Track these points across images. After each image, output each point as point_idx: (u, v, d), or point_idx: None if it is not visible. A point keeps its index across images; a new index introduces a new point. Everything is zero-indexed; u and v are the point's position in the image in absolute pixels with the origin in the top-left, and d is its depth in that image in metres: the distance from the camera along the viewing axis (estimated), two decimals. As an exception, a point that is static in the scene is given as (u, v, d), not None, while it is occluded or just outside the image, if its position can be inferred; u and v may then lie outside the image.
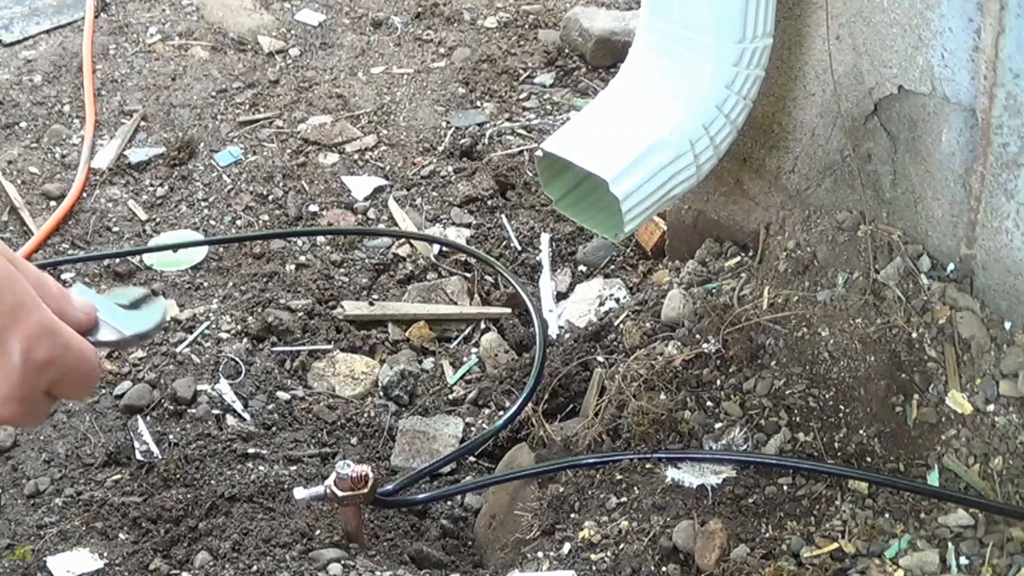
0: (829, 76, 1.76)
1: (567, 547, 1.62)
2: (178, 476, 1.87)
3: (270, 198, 2.60)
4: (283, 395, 2.10)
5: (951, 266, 1.71)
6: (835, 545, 1.56)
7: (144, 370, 2.11)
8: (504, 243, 2.49)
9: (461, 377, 2.21)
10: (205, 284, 2.37)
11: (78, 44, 3.05)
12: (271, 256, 2.43)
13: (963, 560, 1.53)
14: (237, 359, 2.13)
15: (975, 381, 1.63)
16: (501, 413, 2.06)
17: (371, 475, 1.61)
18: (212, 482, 1.86)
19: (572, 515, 1.68)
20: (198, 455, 1.91)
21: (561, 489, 1.71)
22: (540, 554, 1.63)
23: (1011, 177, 1.57)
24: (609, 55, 3.00)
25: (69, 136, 2.76)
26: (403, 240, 2.50)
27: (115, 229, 2.51)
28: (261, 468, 1.90)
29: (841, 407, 1.68)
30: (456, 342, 2.30)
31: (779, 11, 1.77)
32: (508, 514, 1.80)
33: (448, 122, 2.85)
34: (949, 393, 1.64)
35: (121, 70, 3.00)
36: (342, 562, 1.62)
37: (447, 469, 2.02)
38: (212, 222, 2.54)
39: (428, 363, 2.25)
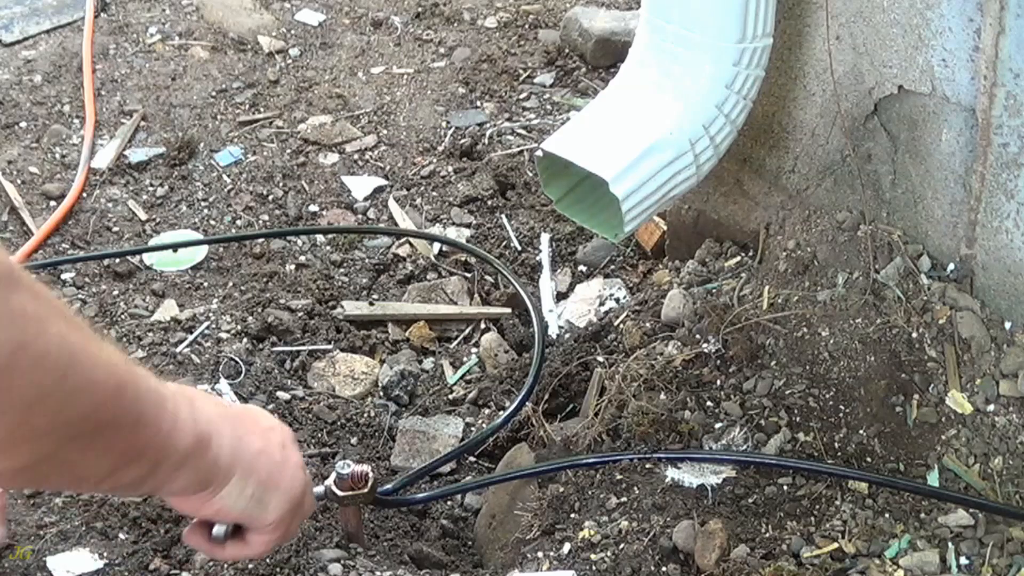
0: (829, 76, 1.76)
1: (567, 547, 1.62)
2: (178, 476, 1.87)
3: (270, 198, 2.60)
4: (283, 395, 2.10)
5: (951, 266, 1.71)
6: (835, 545, 1.56)
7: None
8: (504, 243, 2.49)
9: (461, 377, 2.21)
10: (205, 284, 2.37)
11: (78, 44, 3.05)
12: (271, 256, 2.43)
13: (963, 560, 1.53)
14: (237, 359, 2.13)
15: (975, 381, 1.63)
16: (501, 413, 2.05)
17: (371, 475, 1.61)
18: (212, 482, 1.86)
19: (572, 515, 1.68)
20: (198, 455, 1.91)
21: (561, 489, 1.71)
22: (540, 554, 1.63)
23: (1011, 177, 1.57)
24: (609, 55, 3.00)
25: (69, 136, 2.76)
26: (403, 240, 2.50)
27: (115, 229, 2.51)
28: (261, 468, 1.90)
29: (841, 407, 1.68)
30: (456, 342, 2.30)
31: (779, 11, 1.77)
32: (508, 514, 1.80)
33: (448, 122, 2.85)
34: (949, 393, 1.64)
35: (121, 70, 3.00)
36: (342, 562, 1.62)
37: (447, 469, 2.02)
38: (212, 222, 2.54)
39: (428, 363, 2.25)
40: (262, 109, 2.88)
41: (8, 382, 0.82)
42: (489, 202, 2.60)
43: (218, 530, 1.24)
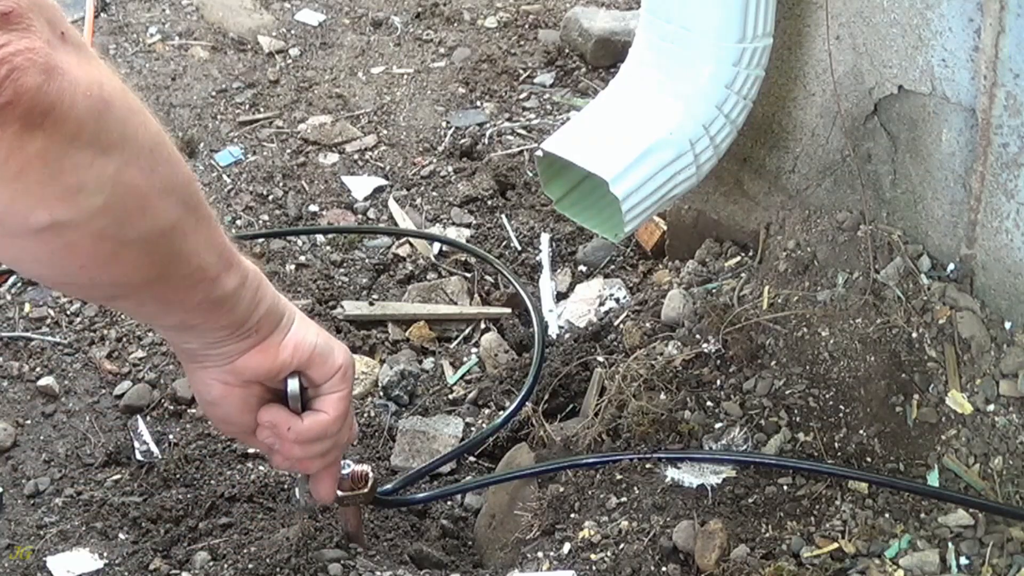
0: (829, 76, 1.76)
1: (567, 547, 1.62)
2: (178, 476, 1.87)
3: (270, 198, 2.60)
4: (283, 395, 2.10)
5: (951, 266, 1.71)
6: (835, 545, 1.56)
7: (144, 370, 2.11)
8: (504, 243, 2.49)
9: (461, 377, 2.21)
10: (205, 284, 2.37)
11: (78, 44, 3.05)
12: (271, 256, 2.43)
13: (963, 560, 1.53)
14: (237, 359, 2.12)
15: (975, 381, 1.63)
16: (501, 413, 2.05)
17: (371, 475, 1.61)
18: (212, 482, 1.86)
19: (572, 515, 1.68)
20: (198, 455, 1.91)
21: (561, 489, 1.71)
22: (540, 554, 1.63)
23: (1011, 177, 1.57)
24: (609, 55, 3.00)
25: (69, 136, 2.76)
26: (403, 240, 2.50)
27: (115, 229, 2.51)
28: (261, 468, 1.90)
29: (841, 407, 1.68)
30: (456, 342, 2.30)
31: (779, 11, 1.77)
32: (508, 514, 1.80)
33: (448, 122, 2.85)
34: (949, 393, 1.64)
35: (121, 70, 2.99)
36: (342, 562, 1.62)
37: (447, 469, 2.01)
38: (212, 222, 2.54)
39: (428, 363, 2.24)
40: (262, 109, 2.88)
41: (138, 119, 0.95)
42: (489, 202, 2.60)
43: (292, 386, 1.26)
